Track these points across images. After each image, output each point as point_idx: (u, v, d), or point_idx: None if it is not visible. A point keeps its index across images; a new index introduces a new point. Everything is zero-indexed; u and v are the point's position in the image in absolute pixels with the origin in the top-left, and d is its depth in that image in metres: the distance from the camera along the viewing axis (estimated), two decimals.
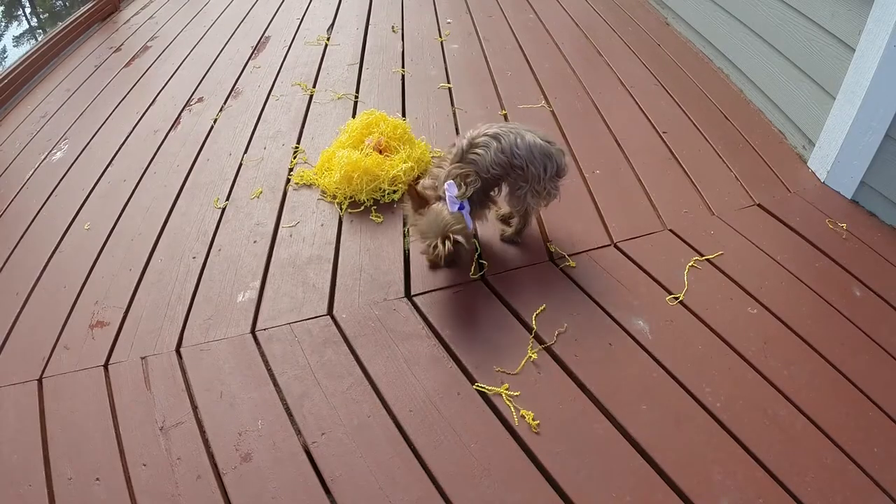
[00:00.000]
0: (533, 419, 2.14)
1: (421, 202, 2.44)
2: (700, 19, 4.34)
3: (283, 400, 2.28)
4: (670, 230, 2.86)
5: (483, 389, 2.25)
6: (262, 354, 2.45)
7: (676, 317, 2.48)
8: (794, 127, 3.33)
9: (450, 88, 4.10)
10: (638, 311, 2.50)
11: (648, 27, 4.76)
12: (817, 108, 3.13)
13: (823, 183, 3.09)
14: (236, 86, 4.40)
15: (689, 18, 4.51)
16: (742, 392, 2.21)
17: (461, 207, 2.43)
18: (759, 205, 2.98)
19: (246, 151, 3.64)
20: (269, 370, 2.39)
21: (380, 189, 3.12)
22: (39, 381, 2.46)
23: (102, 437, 2.23)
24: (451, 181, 2.45)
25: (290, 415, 2.23)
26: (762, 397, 2.19)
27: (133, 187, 3.44)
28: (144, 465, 2.13)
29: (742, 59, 3.84)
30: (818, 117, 3.11)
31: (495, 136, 2.48)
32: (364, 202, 3.11)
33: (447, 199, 2.41)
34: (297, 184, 3.30)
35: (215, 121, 3.99)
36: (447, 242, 2.36)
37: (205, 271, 2.82)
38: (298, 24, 5.31)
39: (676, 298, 2.54)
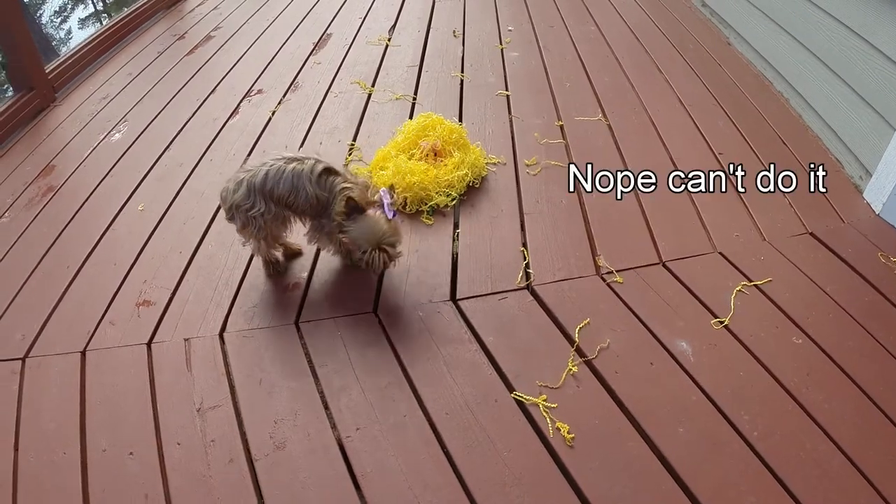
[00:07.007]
0: (568, 432, 2.13)
1: (353, 209, 2.44)
2: (762, 41, 4.29)
3: (321, 392, 2.30)
4: (720, 253, 2.82)
5: (521, 399, 2.24)
6: (304, 346, 2.48)
7: (720, 341, 2.45)
8: (851, 156, 3.28)
9: (508, 96, 4.10)
10: (682, 333, 2.47)
11: (710, 46, 4.72)
12: (877, 138, 3.07)
13: (878, 215, 3.03)
14: (296, 80, 4.45)
15: (751, 40, 4.46)
16: (781, 423, 2.17)
17: (394, 215, 2.49)
18: (811, 233, 2.93)
19: (302, 145, 3.68)
20: (310, 362, 2.41)
21: (430, 200, 3.11)
22: (83, 353, 2.52)
23: (140, 413, 2.28)
24: (385, 189, 2.51)
25: (326, 407, 2.25)
26: (801, 430, 2.15)
27: (189, 172, 3.50)
28: (178, 444, 2.17)
29: (803, 83, 3.79)
30: (877, 147, 3.05)
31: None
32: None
33: (385, 206, 2.47)
34: None
35: (273, 113, 4.04)
36: (382, 253, 2.44)
37: (254, 260, 2.85)
38: (360, 23, 5.36)
39: (721, 322, 2.50)
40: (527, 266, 2.77)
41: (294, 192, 2.48)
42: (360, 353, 2.43)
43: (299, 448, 2.13)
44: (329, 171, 2.52)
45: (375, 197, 2.51)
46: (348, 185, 2.48)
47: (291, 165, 2.48)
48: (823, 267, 2.77)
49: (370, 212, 2.45)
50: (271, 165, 2.50)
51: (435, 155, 3.27)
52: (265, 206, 2.49)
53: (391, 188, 2.54)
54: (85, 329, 2.60)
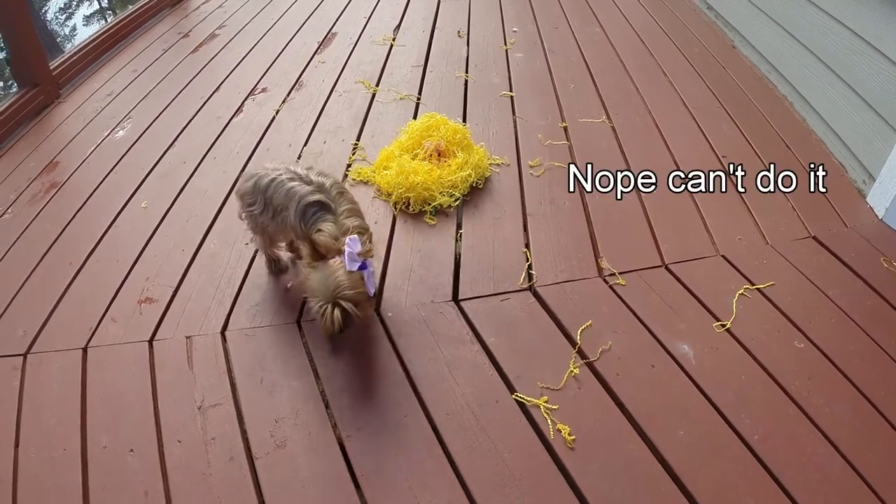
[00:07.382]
0: (569, 434, 2.13)
1: (318, 255, 2.20)
2: (767, 44, 4.29)
3: (322, 392, 2.31)
4: (723, 256, 2.82)
5: (522, 400, 2.24)
6: (306, 345, 2.48)
7: (722, 344, 2.45)
8: (855, 160, 3.28)
9: (512, 97, 4.10)
10: (683, 335, 2.47)
11: (714, 49, 4.72)
12: (881, 142, 3.07)
13: (881, 220, 3.03)
14: (300, 79, 4.45)
15: (755, 43, 4.46)
16: (781, 426, 2.17)
17: (362, 267, 2.19)
18: (814, 237, 2.93)
19: (306, 144, 3.69)
20: (312, 361, 2.41)
21: (433, 200, 3.12)
22: (84, 350, 2.52)
23: (141, 410, 2.28)
24: (355, 235, 2.20)
25: (327, 407, 2.26)
26: (802, 433, 2.15)
27: (192, 170, 3.50)
28: (179, 442, 2.17)
29: (807, 87, 3.79)
30: (881, 152, 3.05)
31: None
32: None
33: (346, 255, 2.15)
34: (354, 180, 3.33)
35: (277, 111, 4.04)
36: (336, 308, 2.13)
37: (256, 258, 2.85)
38: (365, 22, 5.36)
39: (723, 326, 2.50)
40: (529, 267, 2.77)
41: (283, 208, 2.40)
42: (362, 353, 2.44)
43: (300, 447, 2.13)
44: (320, 206, 2.31)
45: (344, 244, 2.19)
46: (320, 229, 2.25)
47: (292, 184, 2.36)
48: (826, 271, 2.77)
49: (332, 260, 2.18)
50: (279, 174, 2.41)
51: (439, 155, 3.27)
52: (263, 208, 2.46)
53: (368, 236, 2.33)
54: (86, 326, 2.60)
